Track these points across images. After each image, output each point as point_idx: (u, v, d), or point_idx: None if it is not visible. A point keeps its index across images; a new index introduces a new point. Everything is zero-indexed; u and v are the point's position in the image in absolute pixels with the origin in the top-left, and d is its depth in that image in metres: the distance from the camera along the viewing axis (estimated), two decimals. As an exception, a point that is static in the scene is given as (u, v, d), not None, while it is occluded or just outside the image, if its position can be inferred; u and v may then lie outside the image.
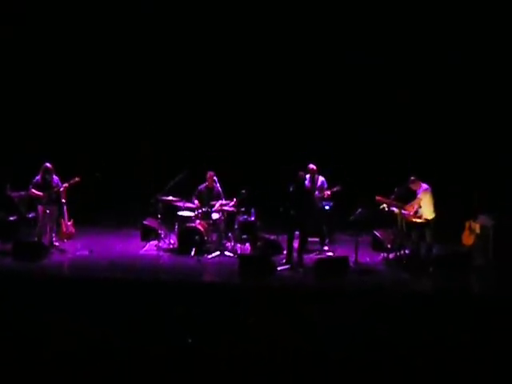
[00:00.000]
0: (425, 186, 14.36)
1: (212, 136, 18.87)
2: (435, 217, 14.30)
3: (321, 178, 15.83)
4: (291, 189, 14.38)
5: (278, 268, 14.00)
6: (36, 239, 15.15)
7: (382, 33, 17.98)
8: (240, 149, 18.62)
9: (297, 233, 14.56)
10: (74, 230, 15.88)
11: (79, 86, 19.07)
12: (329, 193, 15.64)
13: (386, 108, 18.35)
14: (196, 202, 15.71)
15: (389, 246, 15.05)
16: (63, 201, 15.37)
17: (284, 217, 14.47)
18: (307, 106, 18.88)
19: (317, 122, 18.76)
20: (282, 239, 15.13)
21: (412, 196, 14.49)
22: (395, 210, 14.55)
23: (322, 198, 15.66)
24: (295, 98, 18.82)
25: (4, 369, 8.60)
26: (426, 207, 14.28)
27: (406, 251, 14.59)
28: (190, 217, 15.54)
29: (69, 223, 15.72)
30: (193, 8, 18.52)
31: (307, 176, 15.44)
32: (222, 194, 15.71)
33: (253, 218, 15.46)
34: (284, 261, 14.38)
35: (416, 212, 14.39)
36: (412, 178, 14.41)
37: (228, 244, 15.58)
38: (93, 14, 18.63)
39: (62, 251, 15.23)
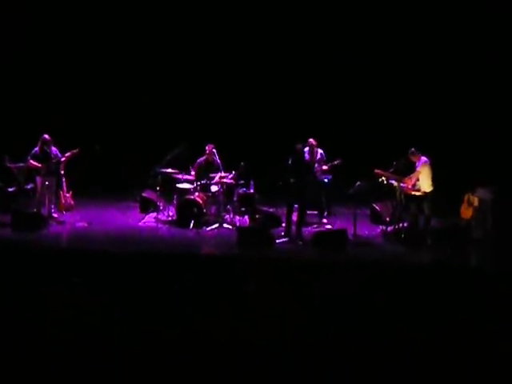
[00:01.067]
0: (424, 158, 14.33)
1: (211, 108, 18.89)
2: (433, 190, 14.29)
3: (320, 151, 15.82)
4: (290, 161, 14.36)
5: (277, 240, 14.02)
6: (35, 210, 15.16)
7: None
8: (239, 121, 18.64)
9: (296, 205, 14.56)
10: (72, 202, 15.89)
11: (78, 61, 19.09)
12: (326, 167, 15.65)
13: (386, 83, 18.40)
14: (193, 173, 15.68)
15: (387, 219, 15.09)
16: (62, 172, 15.37)
17: (283, 189, 14.47)
18: (306, 81, 18.89)
19: (316, 96, 18.78)
20: (281, 212, 15.14)
21: (411, 169, 14.48)
22: (394, 183, 14.55)
23: (322, 171, 15.67)
24: (293, 74, 18.85)
25: (1, 341, 8.63)
26: (424, 180, 14.27)
27: (405, 224, 14.62)
28: (188, 189, 15.53)
29: (67, 195, 15.72)
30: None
31: (306, 149, 15.45)
32: (221, 167, 15.68)
33: (252, 191, 15.46)
34: (283, 233, 14.38)
35: (414, 185, 14.38)
36: (412, 149, 14.36)
37: (227, 216, 15.57)
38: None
39: (61, 223, 15.27)
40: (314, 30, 18.58)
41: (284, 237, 14.30)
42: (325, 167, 15.67)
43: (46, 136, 15.09)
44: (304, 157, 14.90)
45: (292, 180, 14.22)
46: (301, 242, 14.15)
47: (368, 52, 18.28)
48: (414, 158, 14.43)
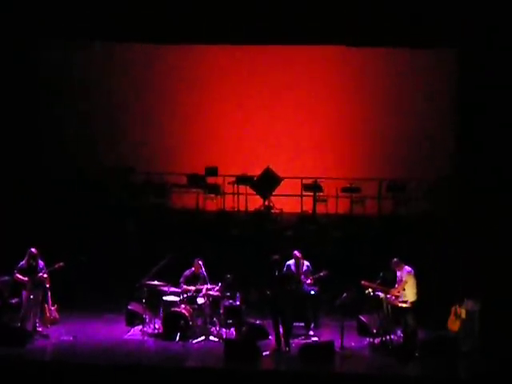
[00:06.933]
0: (408, 268, 14.44)
1: (197, 218, 19.05)
2: (418, 299, 14.32)
3: (306, 263, 15.87)
4: (276, 273, 14.49)
5: (264, 353, 13.94)
6: (19, 324, 15.00)
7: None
8: (225, 233, 18.75)
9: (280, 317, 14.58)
10: (57, 316, 15.69)
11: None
12: (309, 281, 15.64)
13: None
14: (184, 286, 15.66)
15: (374, 330, 15.02)
16: (47, 286, 15.27)
17: (267, 302, 14.55)
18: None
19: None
20: (268, 324, 15.10)
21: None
22: (380, 294, 14.59)
23: (308, 283, 15.68)
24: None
25: None
26: (409, 289, 14.32)
27: (392, 336, 14.57)
28: (175, 301, 15.47)
29: (53, 308, 15.58)
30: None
31: (292, 261, 15.56)
32: (207, 279, 15.66)
33: (238, 303, 15.42)
34: (275, 346, 14.33)
35: (399, 295, 14.41)
36: (395, 260, 14.49)
37: (213, 329, 15.46)
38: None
39: (46, 337, 15.07)
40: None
41: (275, 349, 14.23)
42: (310, 279, 15.67)
43: (33, 249, 15.04)
44: (282, 268, 15.03)
45: (268, 292, 14.35)
46: (287, 355, 14.08)
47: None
48: (397, 268, 14.52)
